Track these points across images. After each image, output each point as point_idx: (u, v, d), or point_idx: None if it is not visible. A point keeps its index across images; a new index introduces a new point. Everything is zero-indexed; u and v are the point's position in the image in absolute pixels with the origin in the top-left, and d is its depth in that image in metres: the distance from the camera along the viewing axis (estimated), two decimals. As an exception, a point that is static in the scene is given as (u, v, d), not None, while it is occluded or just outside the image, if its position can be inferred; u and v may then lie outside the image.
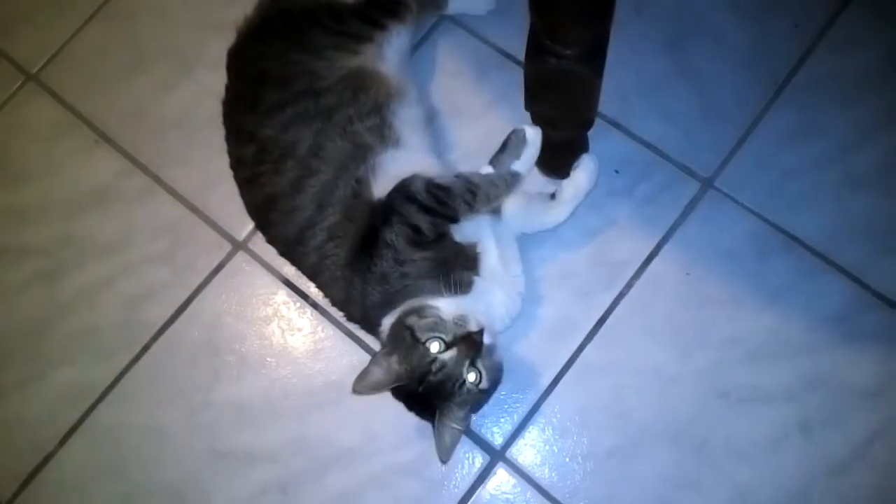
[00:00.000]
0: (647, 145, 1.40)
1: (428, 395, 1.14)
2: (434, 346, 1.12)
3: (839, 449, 1.24)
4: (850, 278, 1.30)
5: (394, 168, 1.21)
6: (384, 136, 1.26)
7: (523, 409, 1.29)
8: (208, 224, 1.44)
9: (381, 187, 1.20)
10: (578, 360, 1.30)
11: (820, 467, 1.23)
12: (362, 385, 1.13)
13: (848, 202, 1.34)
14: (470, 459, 1.28)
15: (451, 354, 1.12)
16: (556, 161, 1.33)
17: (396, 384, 1.14)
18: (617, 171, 1.38)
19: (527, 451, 1.28)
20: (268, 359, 1.36)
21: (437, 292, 1.16)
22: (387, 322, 1.17)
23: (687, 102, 1.41)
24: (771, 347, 1.29)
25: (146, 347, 1.38)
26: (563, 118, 1.23)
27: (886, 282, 1.30)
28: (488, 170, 1.20)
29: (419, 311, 1.15)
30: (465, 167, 1.35)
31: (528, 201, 1.30)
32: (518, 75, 1.42)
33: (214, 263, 1.41)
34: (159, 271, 1.42)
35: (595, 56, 1.08)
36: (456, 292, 1.16)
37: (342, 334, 1.34)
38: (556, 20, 1.03)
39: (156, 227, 1.44)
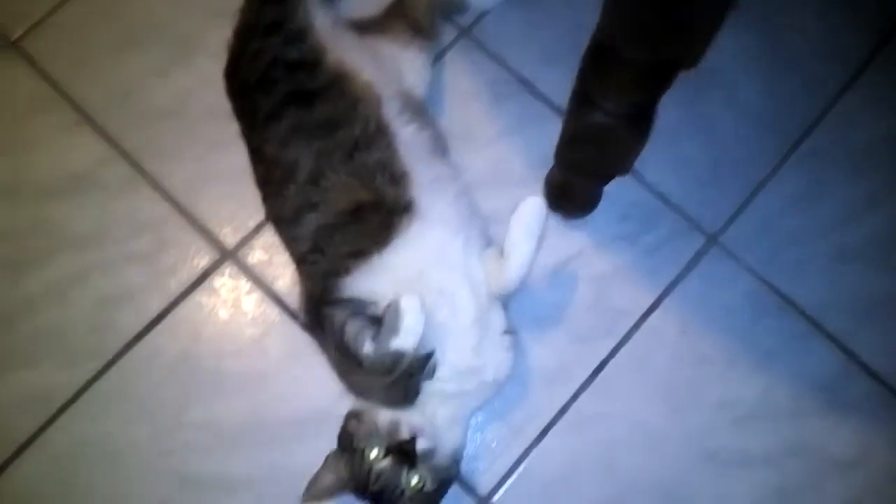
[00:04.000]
0: (657, 193, 1.24)
1: (375, 502, 0.98)
2: (372, 454, 0.97)
3: (816, 515, 1.13)
4: (838, 346, 1.19)
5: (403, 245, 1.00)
6: (398, 185, 1.03)
7: (511, 456, 1.12)
8: (195, 227, 1.20)
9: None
10: (571, 409, 1.15)
11: (796, 532, 1.13)
12: (314, 491, 0.99)
13: (843, 271, 1.22)
14: None
15: (386, 462, 0.96)
16: (570, 203, 1.18)
17: (346, 491, 0.99)
18: (623, 217, 1.22)
19: (513, 497, 1.11)
20: (248, 381, 1.14)
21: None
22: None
23: (699, 154, 1.26)
24: (758, 412, 1.16)
25: (117, 357, 1.14)
26: (594, 170, 1.06)
27: (870, 351, 1.19)
28: (369, 349, 0.94)
29: (358, 417, 1.00)
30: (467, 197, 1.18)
31: (484, 262, 1.06)
32: (536, 106, 1.27)
33: (199, 271, 1.18)
34: (137, 273, 1.18)
35: (643, 119, 0.92)
36: (396, 408, 0.99)
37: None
38: (612, 75, 0.86)
39: (137, 224, 1.20)
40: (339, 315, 0.96)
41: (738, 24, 1.31)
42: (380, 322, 0.94)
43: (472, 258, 1.04)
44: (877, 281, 1.22)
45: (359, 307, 0.97)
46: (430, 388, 0.99)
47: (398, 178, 1.03)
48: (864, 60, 1.32)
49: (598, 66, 0.85)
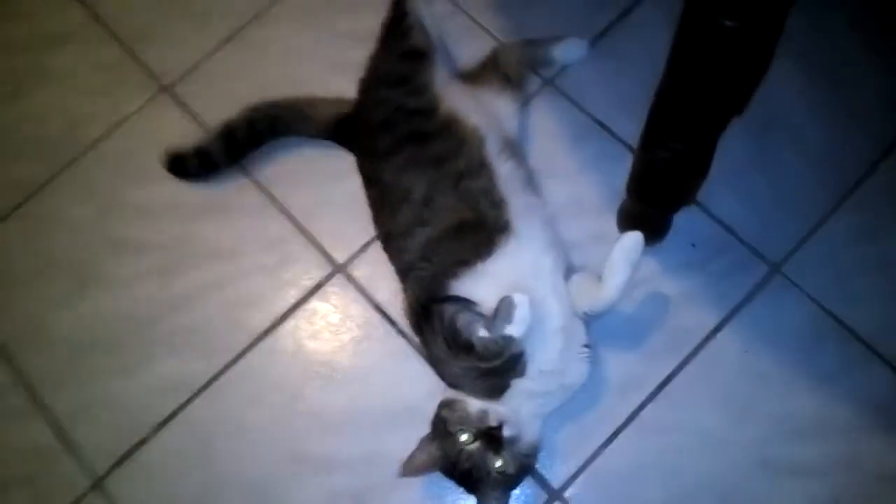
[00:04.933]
0: (724, 225, 1.37)
1: (461, 480, 1.15)
2: (463, 437, 1.12)
3: (866, 528, 1.21)
4: (894, 372, 1.28)
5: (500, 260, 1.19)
6: (497, 209, 1.22)
7: (582, 456, 1.26)
8: (313, 245, 1.42)
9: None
10: (638, 416, 1.28)
11: (847, 545, 1.20)
12: (409, 468, 1.16)
13: (901, 304, 1.32)
14: (529, 495, 1.26)
15: (476, 446, 1.12)
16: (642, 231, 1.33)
17: (437, 469, 1.16)
18: (693, 245, 1.36)
19: (582, 493, 1.25)
20: (353, 376, 1.33)
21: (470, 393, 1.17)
22: None
23: (763, 190, 1.39)
24: (815, 427, 1.26)
25: (245, 350, 1.35)
26: (661, 201, 1.23)
27: (927, 380, 1.28)
28: (483, 333, 1.10)
29: (450, 405, 1.16)
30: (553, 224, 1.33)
31: (579, 283, 1.24)
32: (612, 146, 1.44)
33: (314, 282, 1.39)
34: (265, 282, 1.40)
35: (703, 155, 1.08)
36: (485, 398, 1.16)
37: (424, 364, 1.30)
38: (675, 120, 1.04)
39: (266, 241, 1.42)
40: (450, 308, 1.14)
41: (804, 77, 1.46)
42: (483, 316, 1.12)
43: (559, 274, 1.22)
44: (932, 313, 1.32)
45: (465, 304, 1.15)
46: (517, 385, 1.15)
47: (497, 203, 1.22)
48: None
49: (664, 113, 1.03)
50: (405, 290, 1.27)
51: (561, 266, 1.24)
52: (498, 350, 1.09)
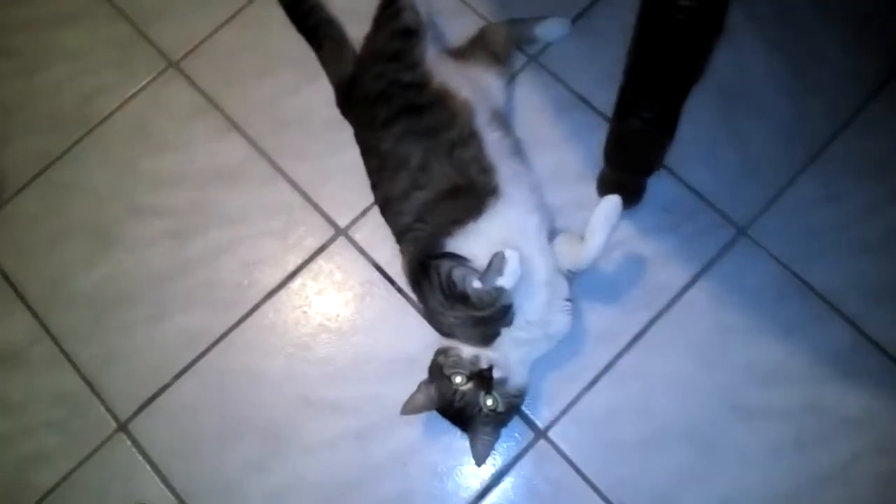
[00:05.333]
0: (694, 192, 1.50)
1: (456, 418, 1.29)
2: (457, 379, 1.25)
3: (825, 464, 1.34)
4: (851, 325, 1.41)
5: (494, 220, 1.31)
6: (487, 174, 1.34)
7: (565, 400, 1.39)
8: (317, 211, 1.54)
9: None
10: (616, 364, 1.41)
11: (808, 478, 1.34)
12: (409, 407, 1.30)
13: (857, 261, 1.45)
14: (516, 435, 1.39)
15: (468, 386, 1.25)
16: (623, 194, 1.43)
17: (435, 408, 1.29)
18: (666, 210, 1.49)
19: (566, 433, 1.38)
20: (357, 329, 1.46)
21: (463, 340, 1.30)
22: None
23: (731, 158, 1.52)
24: (778, 374, 1.39)
25: (256, 307, 1.48)
26: (635, 166, 1.35)
27: (881, 331, 1.41)
28: (477, 285, 1.21)
29: (446, 352, 1.29)
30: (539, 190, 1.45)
31: (562, 243, 1.36)
32: (591, 118, 1.56)
33: (319, 244, 1.52)
34: (273, 244, 1.52)
35: (669, 121, 1.21)
36: (477, 346, 1.29)
37: (420, 318, 1.44)
38: (643, 90, 1.17)
39: (272, 208, 1.54)
40: (446, 263, 1.27)
41: (768, 53, 1.59)
42: (475, 271, 1.24)
43: (544, 234, 1.35)
44: (886, 269, 1.44)
45: (459, 260, 1.28)
46: (506, 334, 1.29)
47: (487, 169, 1.34)
48: (881, 83, 1.55)
49: (633, 85, 1.16)
50: (402, 251, 1.40)
51: (546, 227, 1.37)
52: (490, 300, 1.22)
